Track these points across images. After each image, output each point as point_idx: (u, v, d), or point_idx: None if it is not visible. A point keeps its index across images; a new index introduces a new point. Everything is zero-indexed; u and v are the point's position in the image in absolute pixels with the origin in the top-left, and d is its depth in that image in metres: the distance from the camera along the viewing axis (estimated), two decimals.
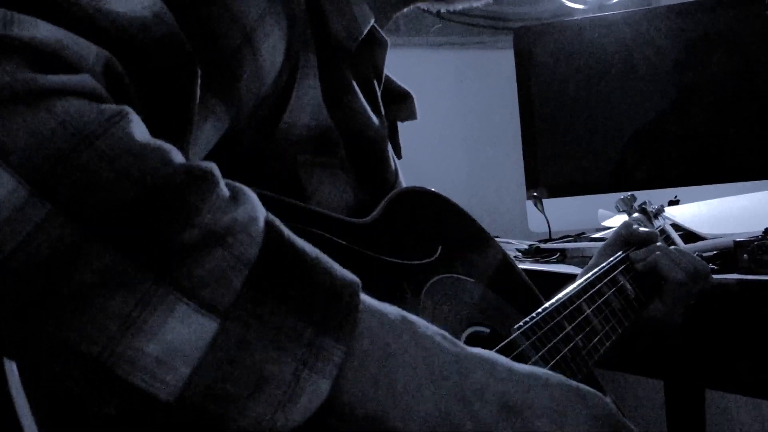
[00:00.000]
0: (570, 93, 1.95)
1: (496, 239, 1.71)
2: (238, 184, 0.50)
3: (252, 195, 0.50)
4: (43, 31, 0.45)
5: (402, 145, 0.92)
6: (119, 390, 0.43)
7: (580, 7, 2.05)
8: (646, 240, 1.02)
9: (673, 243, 1.13)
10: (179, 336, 0.43)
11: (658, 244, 1.03)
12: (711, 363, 1.18)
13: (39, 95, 0.43)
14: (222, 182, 0.48)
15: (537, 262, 1.57)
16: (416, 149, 0.93)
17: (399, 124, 0.91)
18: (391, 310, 0.52)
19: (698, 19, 1.86)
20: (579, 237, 1.74)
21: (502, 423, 0.52)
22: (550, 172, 1.96)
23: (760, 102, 1.79)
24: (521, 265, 1.50)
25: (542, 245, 1.65)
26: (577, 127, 1.95)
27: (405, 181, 0.90)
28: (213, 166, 0.48)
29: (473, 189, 2.19)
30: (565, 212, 1.91)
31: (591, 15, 2.01)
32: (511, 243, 1.57)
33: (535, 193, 1.86)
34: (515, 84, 1.98)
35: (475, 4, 0.87)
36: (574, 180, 1.94)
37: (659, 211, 1.19)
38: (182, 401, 0.43)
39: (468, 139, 2.19)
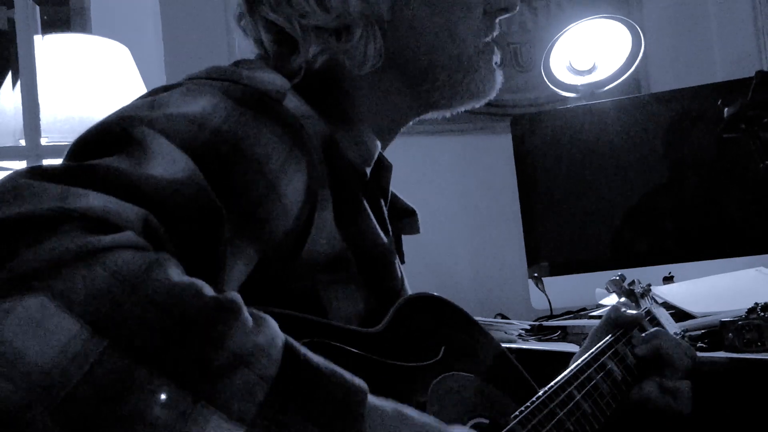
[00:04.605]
0: (566, 175, 2.05)
1: (500, 318, 1.79)
2: (258, 312, 0.58)
3: (271, 321, 0.58)
4: (92, 200, 0.56)
5: None
6: None
7: (572, 95, 2.17)
8: (633, 323, 1.10)
9: (659, 323, 1.21)
10: None
11: (656, 329, 1.09)
12: None
13: (93, 254, 0.53)
14: (245, 310, 0.57)
15: (540, 340, 1.66)
16: (422, 231, 1.03)
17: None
18: (389, 406, 0.61)
19: (682, 104, 1.98)
20: (579, 313, 1.82)
21: None
22: (550, 251, 2.05)
23: (747, 180, 1.88)
24: (525, 344, 1.59)
25: (544, 323, 1.73)
26: (575, 208, 2.04)
27: (414, 261, 0.99)
28: (237, 297, 0.57)
29: (477, 268, 2.26)
30: (565, 289, 1.98)
31: (583, 102, 2.12)
32: (513, 324, 1.65)
33: (535, 274, 1.95)
34: (514, 167, 2.09)
35: (476, 106, 0.95)
36: (573, 258, 2.03)
37: (646, 292, 1.27)
38: None
39: (471, 220, 2.27)
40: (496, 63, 0.94)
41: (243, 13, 0.89)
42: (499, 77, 0.95)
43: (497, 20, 0.94)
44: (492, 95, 0.95)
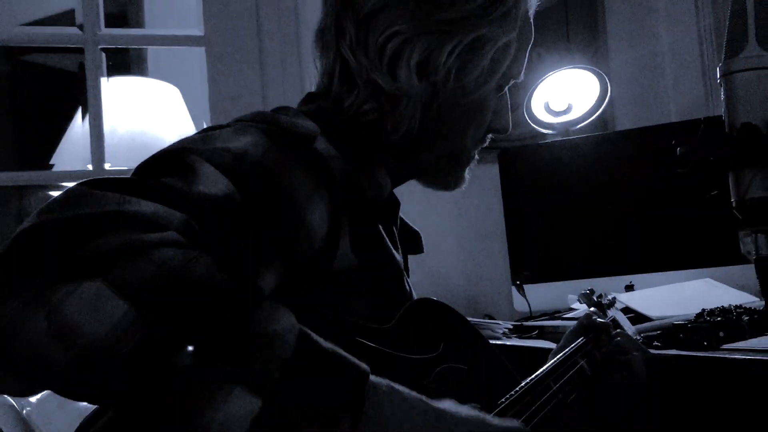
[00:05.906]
0: (544, 199, 2.07)
1: (487, 319, 1.80)
2: (276, 303, 0.60)
3: (288, 312, 0.60)
4: (143, 206, 0.59)
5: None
6: None
7: (550, 132, 2.19)
8: (602, 328, 1.13)
9: (622, 328, 1.23)
10: (237, 409, 0.53)
11: (618, 330, 1.13)
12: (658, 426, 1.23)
13: (143, 248, 0.55)
14: (266, 300, 0.59)
15: (521, 338, 1.67)
16: (423, 246, 1.05)
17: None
18: (384, 383, 0.63)
19: (642, 140, 1.99)
20: (554, 315, 1.83)
21: None
22: (530, 262, 2.06)
23: (697, 206, 1.88)
24: (508, 341, 1.60)
25: (525, 323, 1.74)
26: (552, 227, 2.05)
27: (415, 271, 1.01)
28: (261, 289, 0.60)
29: (469, 277, 2.27)
30: (543, 295, 1.99)
31: (559, 138, 2.14)
32: (499, 324, 1.67)
33: (518, 281, 1.97)
34: (500, 192, 2.11)
35: (441, 191, 0.99)
36: (550, 269, 2.04)
37: (611, 303, 1.28)
38: None
39: (464, 236, 2.27)
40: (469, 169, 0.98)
41: (330, 41, 0.89)
42: (467, 180, 0.98)
43: (489, 136, 0.97)
44: (454, 190, 0.98)
